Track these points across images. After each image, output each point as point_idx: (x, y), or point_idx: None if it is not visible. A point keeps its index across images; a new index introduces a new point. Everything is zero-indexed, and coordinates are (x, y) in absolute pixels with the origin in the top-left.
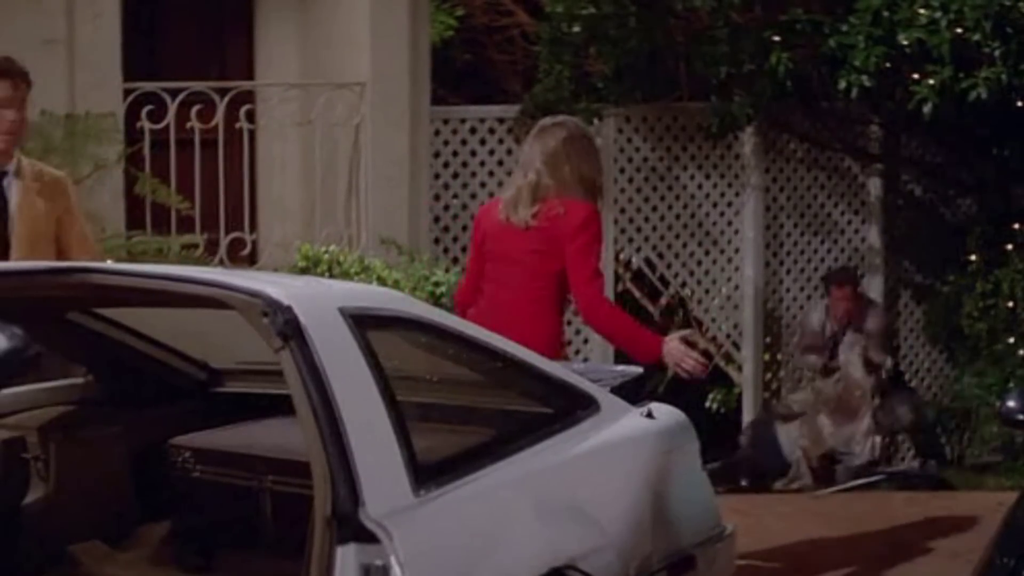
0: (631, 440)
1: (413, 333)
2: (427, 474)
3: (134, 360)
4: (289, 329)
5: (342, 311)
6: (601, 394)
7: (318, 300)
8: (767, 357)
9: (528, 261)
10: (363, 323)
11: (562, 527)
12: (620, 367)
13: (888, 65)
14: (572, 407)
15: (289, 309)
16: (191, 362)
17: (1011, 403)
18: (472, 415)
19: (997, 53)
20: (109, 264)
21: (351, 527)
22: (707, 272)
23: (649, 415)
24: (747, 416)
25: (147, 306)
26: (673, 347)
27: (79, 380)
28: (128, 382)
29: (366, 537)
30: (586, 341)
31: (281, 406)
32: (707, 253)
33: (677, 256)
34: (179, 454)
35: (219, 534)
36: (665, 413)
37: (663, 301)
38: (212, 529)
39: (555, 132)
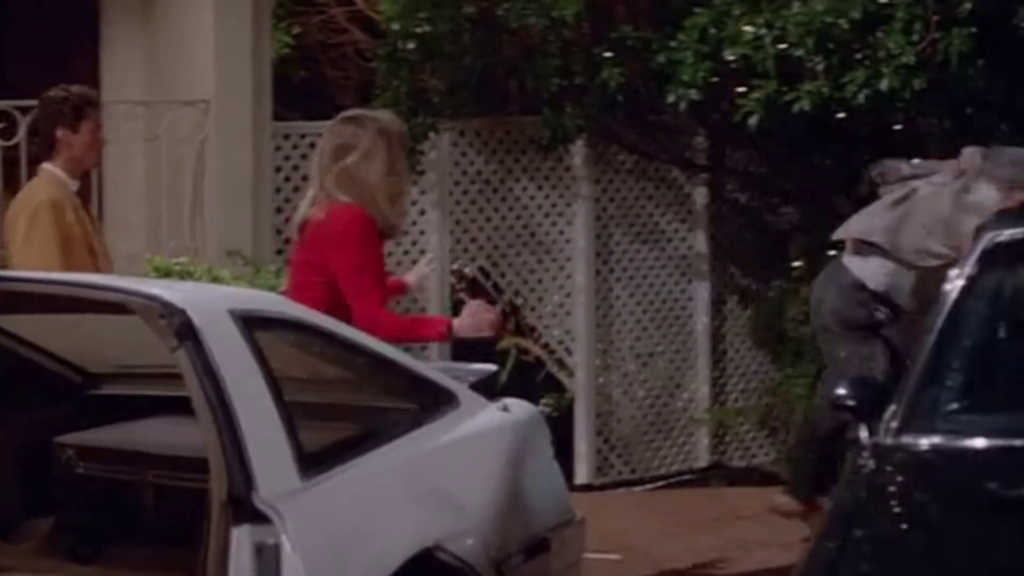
0: (489, 432)
1: (294, 334)
2: (311, 461)
3: (13, 364)
4: (184, 330)
5: (231, 313)
6: (461, 390)
7: (209, 303)
8: (598, 363)
9: (297, 272)
10: (250, 324)
11: (430, 511)
12: (476, 365)
13: (715, 80)
14: (436, 402)
15: (184, 312)
16: (68, 366)
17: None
18: (347, 409)
19: (820, 67)
20: (8, 272)
21: (245, 509)
22: (540, 280)
23: (505, 409)
24: (579, 421)
25: (47, 312)
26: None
27: None
28: (8, 385)
29: (259, 518)
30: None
31: (156, 406)
32: (540, 262)
33: (511, 265)
34: (63, 452)
35: (104, 526)
36: (519, 407)
37: (497, 309)
38: (97, 522)
39: (338, 130)
